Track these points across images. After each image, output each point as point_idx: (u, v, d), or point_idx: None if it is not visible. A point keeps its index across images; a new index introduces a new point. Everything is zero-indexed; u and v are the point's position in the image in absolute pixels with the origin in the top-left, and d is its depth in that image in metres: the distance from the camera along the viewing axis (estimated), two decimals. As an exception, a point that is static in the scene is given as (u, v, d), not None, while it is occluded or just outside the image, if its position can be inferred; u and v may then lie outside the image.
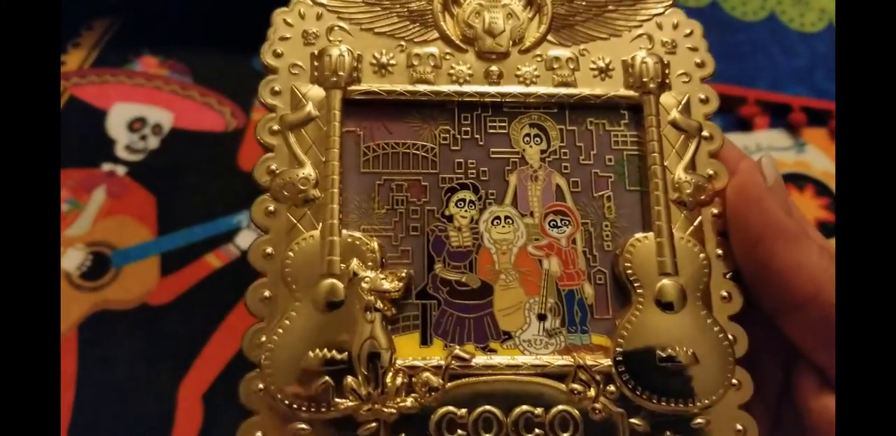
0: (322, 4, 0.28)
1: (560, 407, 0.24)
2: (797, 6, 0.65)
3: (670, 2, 0.30)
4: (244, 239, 0.52)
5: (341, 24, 0.28)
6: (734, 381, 0.25)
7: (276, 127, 0.27)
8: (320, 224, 0.25)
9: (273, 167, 0.26)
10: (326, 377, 0.24)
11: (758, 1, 0.65)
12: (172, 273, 0.50)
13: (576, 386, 0.25)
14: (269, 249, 0.26)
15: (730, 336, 0.25)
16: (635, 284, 0.26)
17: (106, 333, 0.48)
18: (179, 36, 0.59)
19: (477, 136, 0.28)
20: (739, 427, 0.25)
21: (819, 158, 0.58)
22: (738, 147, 0.29)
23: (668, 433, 0.24)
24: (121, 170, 0.54)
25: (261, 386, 0.24)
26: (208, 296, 0.49)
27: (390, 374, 0.24)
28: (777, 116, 0.60)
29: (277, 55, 0.28)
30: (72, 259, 0.50)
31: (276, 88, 0.27)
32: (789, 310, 0.25)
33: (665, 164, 0.27)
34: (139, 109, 0.57)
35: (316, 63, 0.27)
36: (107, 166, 0.54)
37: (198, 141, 0.56)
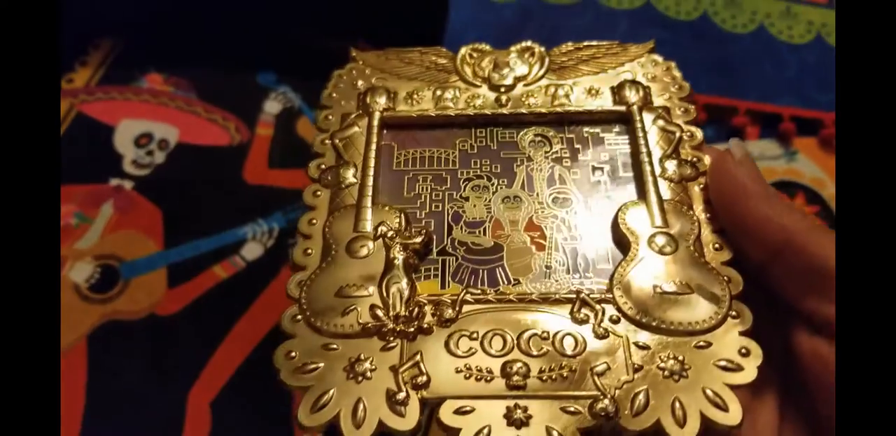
0: (370, 65, 0.36)
1: (565, 330, 0.27)
2: (785, 19, 0.67)
3: (647, 50, 0.36)
4: (250, 251, 0.53)
5: (383, 75, 0.36)
6: (733, 312, 0.27)
7: (327, 141, 0.33)
8: (357, 199, 0.31)
9: (323, 166, 0.32)
10: (355, 306, 0.27)
11: (747, 14, 0.67)
12: (180, 285, 0.51)
13: (580, 313, 0.27)
14: (314, 220, 0.30)
15: (724, 276, 0.28)
16: (631, 237, 0.29)
17: (115, 343, 0.49)
18: (184, 54, 0.61)
19: (490, 144, 0.34)
20: (743, 349, 0.26)
21: (809, 167, 0.59)
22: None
23: (670, 353, 0.26)
24: (128, 184, 0.55)
25: (298, 316, 0.27)
26: (215, 306, 0.50)
27: (410, 303, 0.27)
28: (768, 126, 0.61)
29: (332, 97, 0.35)
30: (81, 272, 0.51)
31: (330, 117, 0.34)
32: (768, 261, 0.28)
33: (652, 151, 0.32)
34: (145, 125, 0.58)
35: (361, 98, 0.35)
36: (114, 181, 0.55)
37: (203, 155, 0.57)
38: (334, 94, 0.35)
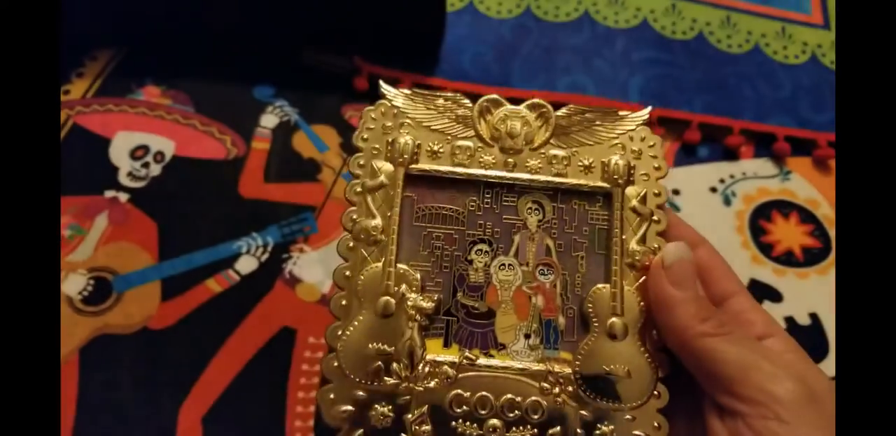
0: (396, 107, 0.39)
1: (533, 398, 0.34)
2: (780, 39, 0.67)
3: (641, 121, 0.40)
4: (244, 265, 0.53)
5: (408, 120, 0.39)
6: (656, 392, 0.34)
7: (359, 189, 0.37)
8: (382, 258, 0.36)
9: (354, 217, 0.36)
10: (379, 362, 0.34)
11: (743, 34, 0.68)
12: (173, 298, 0.51)
13: (545, 385, 0.34)
14: (348, 273, 0.35)
15: (656, 363, 0.34)
16: (593, 320, 0.35)
17: (107, 356, 0.48)
18: (181, 66, 0.61)
19: (494, 206, 0.38)
20: (656, 424, 0.34)
21: (803, 186, 0.59)
22: (695, 231, 0.39)
23: (605, 423, 0.34)
24: (123, 197, 0.55)
25: (336, 364, 0.34)
26: (208, 320, 0.50)
27: (421, 365, 0.34)
28: (762, 146, 0.61)
29: (364, 140, 0.38)
30: (74, 284, 0.51)
31: (361, 163, 0.38)
32: (676, 354, 0.34)
33: (623, 237, 0.37)
34: (142, 138, 0.58)
35: (389, 147, 0.38)
36: (109, 193, 0.55)
37: (199, 168, 0.57)
38: (365, 136, 0.38)
